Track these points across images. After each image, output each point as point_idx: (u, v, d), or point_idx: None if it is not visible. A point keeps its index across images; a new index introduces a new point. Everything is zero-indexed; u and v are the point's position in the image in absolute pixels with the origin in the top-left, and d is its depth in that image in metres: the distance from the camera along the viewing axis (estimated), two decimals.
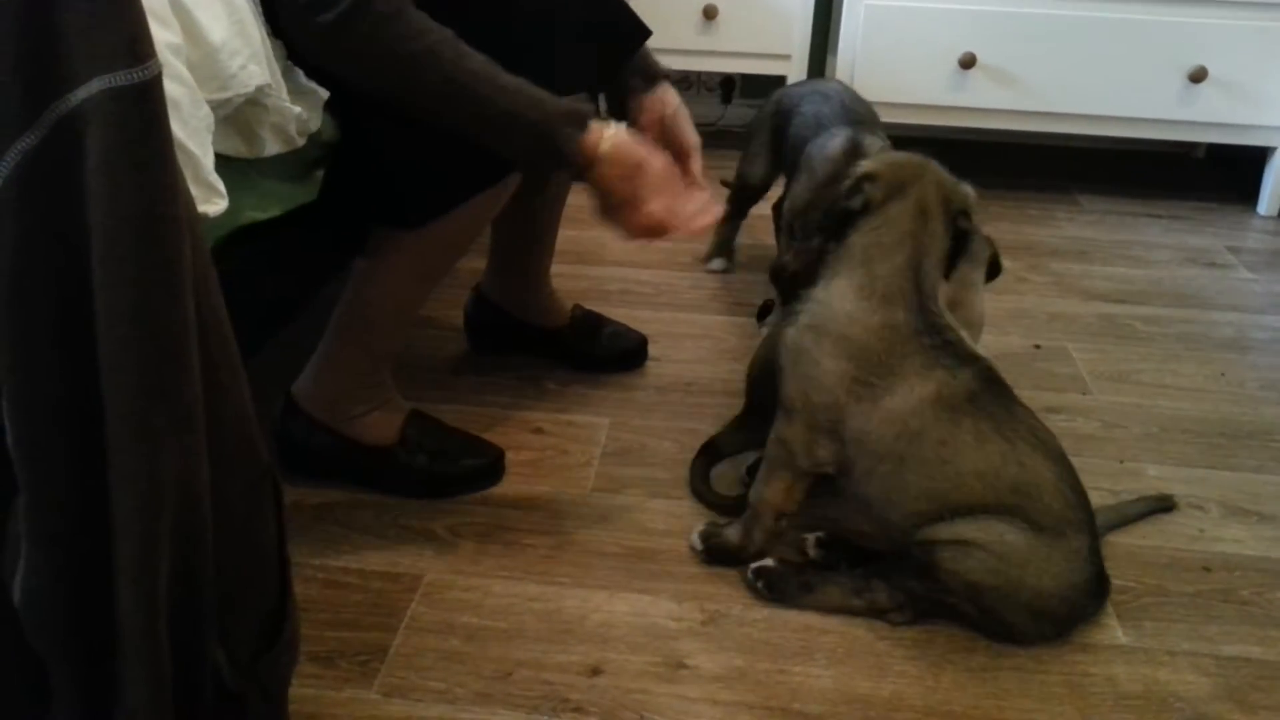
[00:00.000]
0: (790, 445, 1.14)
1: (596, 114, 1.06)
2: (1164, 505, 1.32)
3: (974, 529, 1.05)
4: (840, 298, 1.10)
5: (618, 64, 1.25)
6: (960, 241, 1.14)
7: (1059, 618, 1.09)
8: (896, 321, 1.08)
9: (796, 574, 1.15)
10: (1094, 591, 1.10)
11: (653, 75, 1.27)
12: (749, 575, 1.15)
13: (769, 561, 1.16)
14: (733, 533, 1.20)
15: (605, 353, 1.60)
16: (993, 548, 1.05)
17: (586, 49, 1.19)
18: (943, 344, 1.09)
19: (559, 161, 1.05)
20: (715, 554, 1.20)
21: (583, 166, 1.05)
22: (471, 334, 1.64)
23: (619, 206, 1.08)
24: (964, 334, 1.12)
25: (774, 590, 1.14)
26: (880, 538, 1.15)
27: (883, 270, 1.09)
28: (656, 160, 1.09)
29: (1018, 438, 1.07)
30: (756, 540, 1.18)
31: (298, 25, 0.96)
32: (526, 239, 1.53)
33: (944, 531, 1.07)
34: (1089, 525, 1.08)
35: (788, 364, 1.13)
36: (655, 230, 1.09)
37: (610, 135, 1.05)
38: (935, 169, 1.14)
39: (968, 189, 1.16)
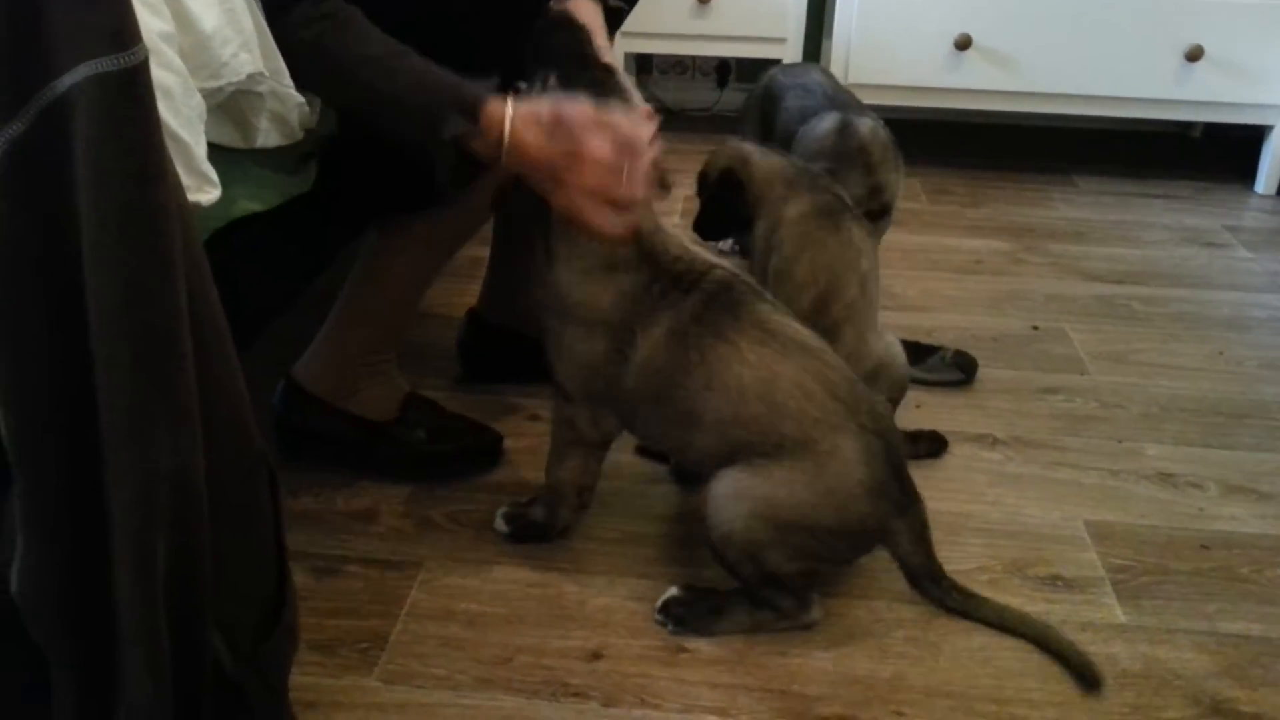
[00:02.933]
0: (576, 424, 1.15)
1: (497, 95, 1.01)
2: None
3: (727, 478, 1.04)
4: (568, 285, 1.10)
5: None
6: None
7: (865, 526, 1.04)
8: (625, 288, 1.08)
9: (703, 599, 1.10)
10: (891, 487, 1.04)
11: None
12: (656, 615, 1.09)
13: (674, 591, 1.11)
14: (538, 511, 1.21)
15: None
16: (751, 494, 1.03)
17: None
18: (670, 281, 1.07)
19: (443, 147, 1.02)
20: (522, 533, 1.21)
21: (491, 157, 1.03)
22: (468, 361, 1.54)
23: (541, 186, 1.05)
24: (695, 252, 1.10)
25: (683, 623, 1.08)
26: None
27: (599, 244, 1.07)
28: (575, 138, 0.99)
29: (739, 338, 1.04)
30: (563, 517, 1.20)
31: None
32: (529, 242, 1.50)
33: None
34: (849, 414, 1.03)
35: (549, 346, 1.14)
36: (575, 218, 1.04)
37: (511, 116, 1.00)
38: None
39: None
